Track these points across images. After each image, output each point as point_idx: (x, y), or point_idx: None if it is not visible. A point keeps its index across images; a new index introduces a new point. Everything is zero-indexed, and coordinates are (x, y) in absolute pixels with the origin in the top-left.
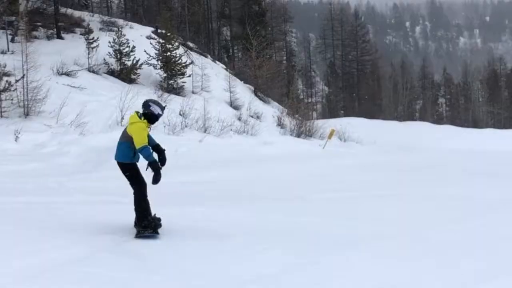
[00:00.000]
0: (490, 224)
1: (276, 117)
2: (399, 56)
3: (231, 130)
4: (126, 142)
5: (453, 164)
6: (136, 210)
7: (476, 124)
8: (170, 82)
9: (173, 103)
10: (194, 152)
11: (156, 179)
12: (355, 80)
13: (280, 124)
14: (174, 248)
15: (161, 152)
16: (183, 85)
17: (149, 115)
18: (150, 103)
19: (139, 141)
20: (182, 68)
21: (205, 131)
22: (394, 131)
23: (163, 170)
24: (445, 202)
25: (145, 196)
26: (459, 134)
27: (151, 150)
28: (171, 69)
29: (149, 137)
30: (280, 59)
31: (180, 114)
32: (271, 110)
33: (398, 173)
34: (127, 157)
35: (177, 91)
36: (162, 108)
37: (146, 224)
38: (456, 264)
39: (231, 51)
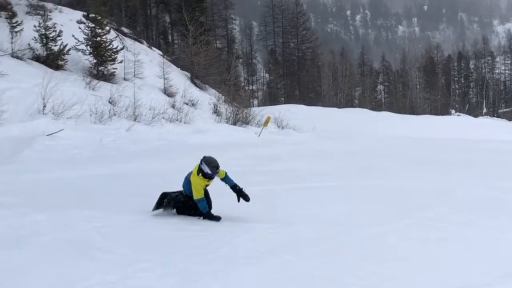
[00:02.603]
0: (420, 223)
1: (212, 104)
2: (339, 44)
3: (163, 118)
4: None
5: (390, 151)
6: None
7: (413, 110)
8: (100, 69)
9: (102, 90)
10: (120, 142)
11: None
12: (296, 68)
13: (216, 112)
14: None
15: (239, 192)
16: (114, 72)
17: (202, 171)
18: (203, 161)
19: (195, 195)
20: (113, 54)
21: (135, 120)
22: (333, 118)
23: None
24: (379, 196)
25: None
26: (397, 120)
27: (205, 202)
28: (101, 54)
29: (225, 178)
30: (221, 46)
31: (109, 102)
32: (207, 97)
33: (334, 161)
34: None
35: (108, 77)
36: (213, 168)
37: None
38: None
39: (170, 37)
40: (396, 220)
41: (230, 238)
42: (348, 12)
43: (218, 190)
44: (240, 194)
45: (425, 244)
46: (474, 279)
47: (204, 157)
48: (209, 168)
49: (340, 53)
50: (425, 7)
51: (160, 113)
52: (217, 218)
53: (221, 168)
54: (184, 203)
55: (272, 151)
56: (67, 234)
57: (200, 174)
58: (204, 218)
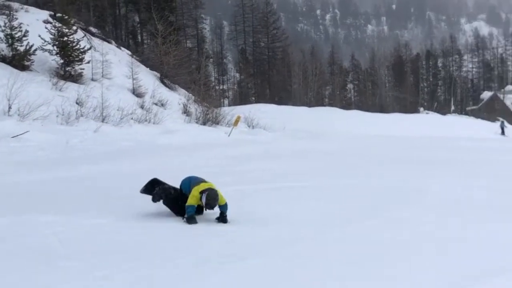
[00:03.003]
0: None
1: (182, 104)
2: (309, 43)
3: (131, 119)
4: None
5: (361, 150)
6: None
7: (383, 109)
8: (67, 69)
9: (69, 91)
10: (88, 143)
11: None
12: (266, 67)
13: (186, 112)
14: None
15: (222, 217)
16: (82, 72)
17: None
18: (205, 195)
19: (190, 201)
20: (81, 54)
21: (102, 121)
22: (304, 117)
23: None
24: (352, 195)
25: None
26: (367, 119)
27: (194, 210)
28: (68, 55)
29: (223, 207)
30: (192, 46)
31: (76, 103)
32: (177, 97)
33: (306, 161)
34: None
35: (75, 78)
36: (208, 206)
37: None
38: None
39: (139, 37)
40: (370, 219)
41: (199, 242)
42: (318, 12)
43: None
44: (222, 218)
45: (398, 244)
46: (450, 280)
47: (209, 193)
48: (205, 204)
49: (310, 52)
50: (394, 6)
51: (129, 114)
52: (195, 222)
53: (219, 192)
54: (175, 200)
55: (242, 151)
56: (28, 240)
57: (199, 198)
58: (184, 219)
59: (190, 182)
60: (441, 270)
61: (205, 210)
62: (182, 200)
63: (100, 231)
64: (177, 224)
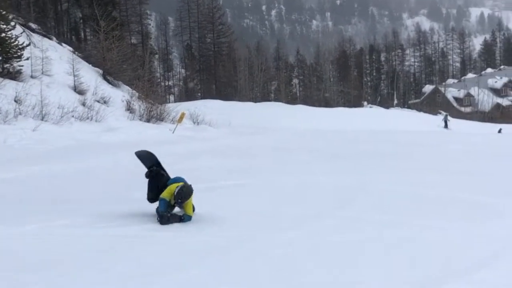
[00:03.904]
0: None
1: (125, 101)
2: (255, 38)
3: (72, 116)
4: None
5: (307, 146)
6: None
7: (327, 103)
8: (5, 66)
9: (7, 88)
10: (26, 143)
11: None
12: (212, 63)
13: (129, 109)
14: None
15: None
16: (21, 69)
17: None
18: (179, 187)
19: (164, 194)
20: (19, 51)
21: (42, 119)
22: (250, 113)
23: None
24: (295, 193)
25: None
26: (312, 113)
27: (166, 206)
28: (6, 51)
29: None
30: (136, 42)
31: (14, 101)
32: (120, 94)
33: (250, 158)
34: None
35: (14, 75)
36: (178, 196)
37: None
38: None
39: (82, 33)
40: (314, 221)
41: (129, 251)
42: (264, 7)
43: None
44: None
45: (345, 246)
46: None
47: (185, 185)
48: (175, 194)
49: (256, 48)
50: (338, 2)
51: (70, 112)
52: (166, 223)
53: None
54: (156, 185)
55: (186, 147)
56: None
57: (174, 191)
58: (158, 219)
59: (176, 181)
60: (389, 272)
61: (173, 204)
62: (161, 191)
63: (32, 241)
64: (109, 233)
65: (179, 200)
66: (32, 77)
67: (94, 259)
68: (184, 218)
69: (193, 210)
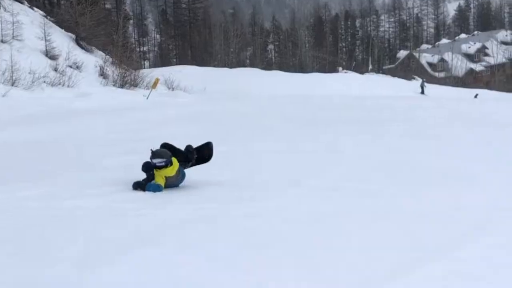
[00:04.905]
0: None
1: (98, 67)
2: (231, 4)
3: (44, 82)
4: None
5: (282, 112)
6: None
7: (303, 69)
8: None
9: None
10: None
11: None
12: (188, 28)
13: (103, 74)
14: None
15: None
16: None
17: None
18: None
19: (157, 179)
20: None
21: (12, 84)
22: (225, 79)
23: None
24: (267, 163)
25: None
26: (288, 79)
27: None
28: None
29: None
30: (111, 7)
31: None
32: (94, 60)
33: (224, 125)
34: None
35: None
36: (151, 155)
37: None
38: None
39: None
40: (291, 188)
41: (87, 227)
42: None
43: None
44: (140, 184)
45: (318, 218)
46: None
47: (160, 148)
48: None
49: (231, 14)
50: None
51: (41, 77)
52: (137, 188)
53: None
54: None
55: (160, 113)
56: None
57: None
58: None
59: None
60: (364, 243)
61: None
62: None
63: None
64: (67, 206)
65: (152, 157)
66: (2, 41)
67: (45, 234)
68: (150, 188)
69: (182, 180)
